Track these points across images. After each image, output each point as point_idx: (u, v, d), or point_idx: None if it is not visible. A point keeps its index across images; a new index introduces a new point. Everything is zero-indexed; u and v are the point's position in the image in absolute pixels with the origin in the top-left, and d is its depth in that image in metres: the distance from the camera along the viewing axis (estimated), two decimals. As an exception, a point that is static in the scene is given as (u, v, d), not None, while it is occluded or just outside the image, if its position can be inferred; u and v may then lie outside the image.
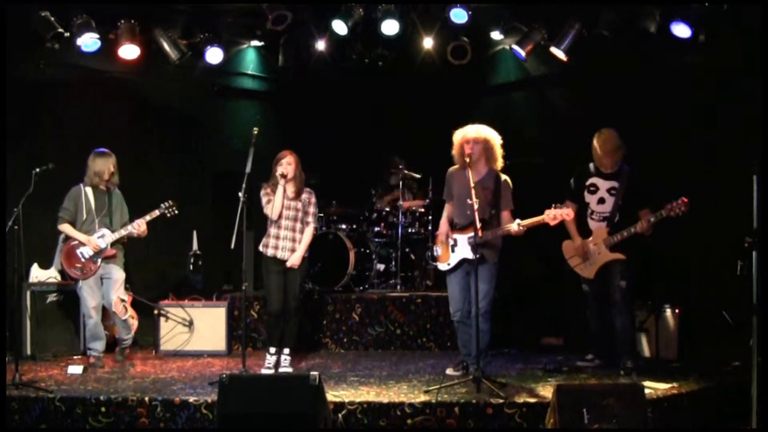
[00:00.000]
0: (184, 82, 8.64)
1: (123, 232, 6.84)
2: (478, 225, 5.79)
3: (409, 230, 8.71)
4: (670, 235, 6.48)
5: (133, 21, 7.59)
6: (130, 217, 6.97)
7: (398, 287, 8.42)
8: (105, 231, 6.81)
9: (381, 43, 8.68)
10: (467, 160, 6.00)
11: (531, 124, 8.81)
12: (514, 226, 5.92)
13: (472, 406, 5.34)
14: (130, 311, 7.28)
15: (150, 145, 8.51)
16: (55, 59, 7.75)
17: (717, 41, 7.02)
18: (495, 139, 6.19)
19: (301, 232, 6.53)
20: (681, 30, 7.03)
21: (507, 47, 8.48)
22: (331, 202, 8.84)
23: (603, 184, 6.47)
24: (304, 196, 6.55)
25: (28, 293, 7.25)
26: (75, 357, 7.26)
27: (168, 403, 5.48)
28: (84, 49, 7.54)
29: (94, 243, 6.76)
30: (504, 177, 6.20)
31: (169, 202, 6.95)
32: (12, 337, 6.88)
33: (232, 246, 6.02)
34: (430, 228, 8.61)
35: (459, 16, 7.59)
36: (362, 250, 8.47)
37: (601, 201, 6.46)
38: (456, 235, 6.19)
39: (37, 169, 6.39)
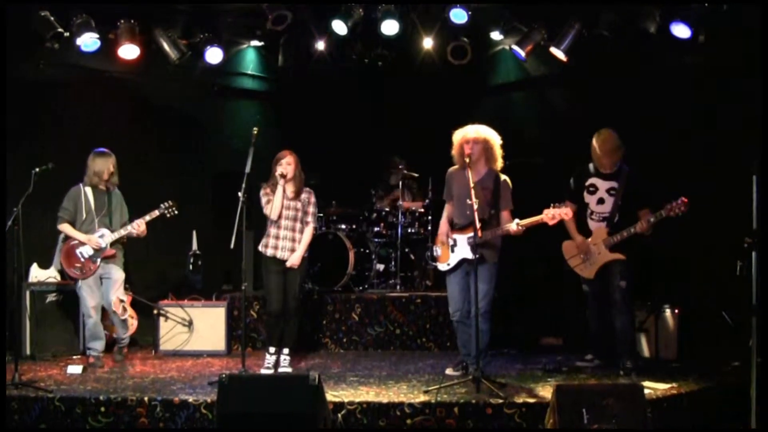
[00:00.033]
0: (184, 82, 8.64)
1: (122, 232, 6.84)
2: (478, 225, 5.80)
3: (409, 230, 8.72)
4: (670, 235, 6.48)
5: (132, 21, 7.59)
6: (130, 217, 6.97)
7: (398, 287, 8.43)
8: (104, 231, 6.81)
9: (381, 43, 8.68)
10: (467, 160, 6.01)
11: (531, 124, 8.81)
12: (513, 225, 5.92)
13: (471, 406, 5.34)
14: (130, 311, 7.29)
15: (150, 145, 8.51)
16: (55, 59, 7.74)
17: (717, 41, 7.02)
18: (495, 139, 6.20)
19: (301, 232, 6.53)
20: (681, 30, 7.03)
21: (507, 47, 8.48)
22: (330, 202, 8.84)
23: (602, 185, 6.47)
24: (304, 196, 6.55)
25: (28, 293, 7.25)
26: (74, 357, 7.26)
27: (167, 403, 5.48)
28: (84, 48, 7.54)
29: (94, 241, 6.76)
30: (503, 177, 6.20)
31: (169, 202, 6.95)
32: (11, 336, 6.88)
33: (232, 246, 6.01)
34: (429, 228, 8.61)
35: (459, 16, 7.59)
36: (362, 250, 8.47)
37: (601, 201, 6.46)
38: (456, 235, 6.19)
39: (37, 169, 6.39)
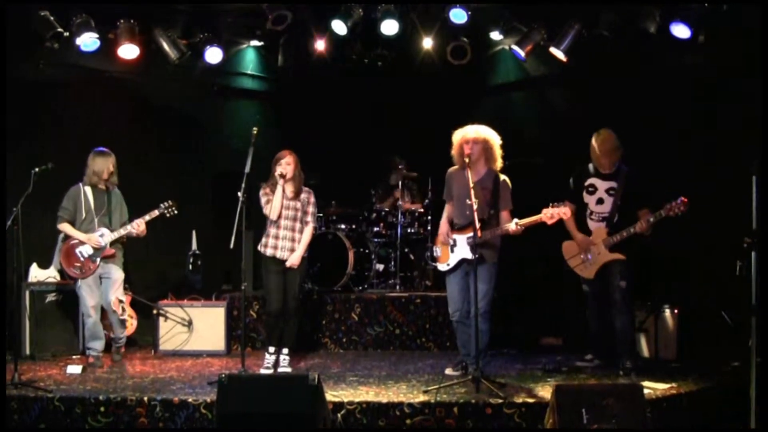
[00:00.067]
0: (184, 82, 8.63)
1: (122, 232, 6.84)
2: (477, 225, 5.80)
3: (409, 230, 8.72)
4: (670, 236, 6.48)
5: (132, 21, 7.59)
6: (130, 216, 6.97)
7: (397, 287, 8.42)
8: (104, 230, 6.81)
9: (381, 43, 8.67)
10: (466, 160, 6.01)
11: (530, 124, 8.81)
12: (512, 225, 5.92)
13: (471, 406, 5.34)
14: (129, 310, 7.29)
15: (149, 145, 8.50)
16: (55, 59, 7.74)
17: (716, 41, 7.02)
18: (494, 139, 6.20)
19: (301, 231, 6.53)
20: (680, 30, 7.03)
21: (507, 47, 8.47)
22: (330, 202, 8.84)
23: (601, 185, 6.47)
24: (304, 195, 6.55)
25: (27, 293, 7.25)
26: (74, 357, 7.26)
27: (167, 402, 5.48)
28: (83, 48, 7.53)
29: (94, 240, 6.76)
30: (503, 177, 6.20)
31: (169, 201, 6.95)
32: (11, 336, 6.88)
33: (232, 246, 6.01)
34: (429, 228, 8.62)
35: (458, 16, 7.59)
36: (361, 250, 8.47)
37: (600, 201, 6.46)
38: (455, 236, 6.19)
39: (36, 169, 6.38)
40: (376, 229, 8.79)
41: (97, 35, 7.50)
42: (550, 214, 5.84)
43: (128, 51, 7.69)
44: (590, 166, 6.56)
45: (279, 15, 7.67)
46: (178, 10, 7.85)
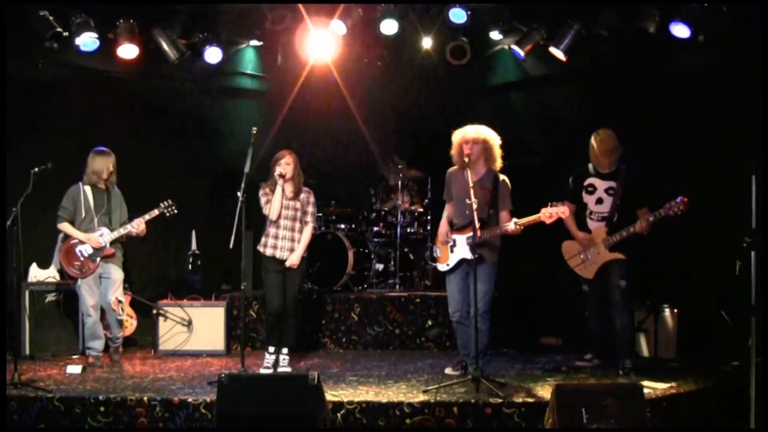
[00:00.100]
0: (183, 82, 8.63)
1: (122, 231, 6.84)
2: (477, 225, 5.80)
3: (408, 230, 8.71)
4: (670, 235, 6.48)
5: (131, 21, 7.60)
6: (129, 216, 6.97)
7: (397, 287, 8.42)
8: (104, 230, 6.81)
9: (380, 43, 8.67)
10: (466, 160, 6.01)
11: (530, 124, 8.79)
12: (511, 225, 5.93)
13: (470, 405, 5.34)
14: (128, 310, 7.28)
15: (149, 145, 8.49)
16: (54, 59, 7.74)
17: (716, 41, 7.02)
18: (494, 139, 6.20)
19: (300, 231, 6.53)
20: (680, 30, 7.04)
21: (506, 47, 8.47)
22: (330, 202, 8.84)
23: (601, 185, 6.47)
24: (303, 195, 6.55)
25: (27, 293, 7.24)
26: (74, 357, 7.26)
27: (167, 402, 5.48)
28: (83, 48, 7.54)
29: (94, 240, 6.76)
30: (502, 177, 6.20)
31: (169, 201, 6.95)
32: (11, 336, 6.87)
33: (231, 246, 6.01)
34: (429, 228, 8.62)
35: (458, 16, 7.59)
36: (361, 249, 8.47)
37: (599, 201, 6.46)
38: (455, 236, 6.20)
39: (36, 169, 6.37)
40: (375, 228, 8.79)
41: (96, 35, 7.51)
42: (548, 214, 5.84)
43: (128, 51, 7.70)
44: (590, 165, 6.56)
45: (278, 15, 7.67)
46: (178, 10, 7.86)
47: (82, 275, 6.78)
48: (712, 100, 7.13)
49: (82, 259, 6.79)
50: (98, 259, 6.80)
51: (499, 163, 6.22)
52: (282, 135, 8.75)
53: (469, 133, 6.16)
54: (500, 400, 5.34)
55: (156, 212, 6.91)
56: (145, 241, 7.29)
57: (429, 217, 8.65)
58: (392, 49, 8.76)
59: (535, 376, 6.32)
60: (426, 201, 8.76)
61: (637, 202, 6.32)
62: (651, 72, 7.56)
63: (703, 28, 7.03)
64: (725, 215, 6.47)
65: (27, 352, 7.14)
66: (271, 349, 6.50)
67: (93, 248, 6.79)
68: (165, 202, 6.95)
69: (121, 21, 7.56)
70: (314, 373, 4.91)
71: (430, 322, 7.63)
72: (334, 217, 8.82)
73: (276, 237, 6.46)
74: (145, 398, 5.51)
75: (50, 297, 7.37)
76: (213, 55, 8.08)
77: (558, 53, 7.63)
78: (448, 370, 6.42)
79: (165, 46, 7.77)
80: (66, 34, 7.39)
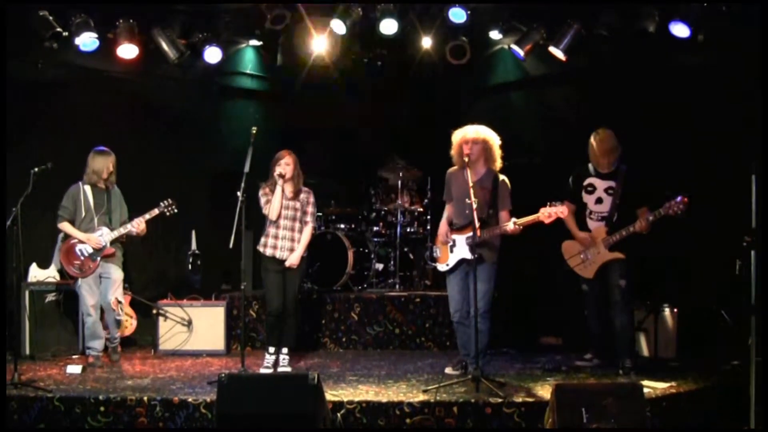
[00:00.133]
0: (183, 82, 8.63)
1: (122, 231, 6.84)
2: (477, 225, 5.80)
3: (408, 230, 8.72)
4: (670, 235, 6.48)
5: (131, 20, 7.59)
6: (129, 215, 6.97)
7: (397, 287, 8.43)
8: (104, 229, 6.81)
9: (380, 43, 8.67)
10: (466, 160, 6.01)
11: (530, 124, 8.79)
12: (510, 225, 5.93)
13: (470, 405, 5.34)
14: (127, 310, 7.28)
15: (148, 145, 8.49)
16: (54, 59, 7.73)
17: (716, 41, 7.02)
18: (494, 139, 6.20)
19: (300, 231, 6.53)
20: (680, 30, 7.04)
21: (506, 47, 8.47)
22: (329, 202, 8.84)
23: (600, 184, 6.48)
24: (303, 195, 6.55)
25: (27, 293, 7.24)
26: (74, 356, 7.25)
27: (167, 402, 5.48)
28: (82, 48, 7.53)
29: (94, 240, 6.76)
30: (502, 177, 6.20)
31: (169, 200, 6.95)
32: (11, 336, 6.87)
33: (231, 245, 6.01)
34: (428, 228, 8.62)
35: (458, 15, 7.59)
36: (361, 249, 8.47)
37: (599, 201, 6.46)
38: (454, 236, 6.20)
39: (36, 169, 6.36)
40: (375, 228, 8.79)
41: (96, 35, 7.50)
42: (547, 213, 5.85)
43: (127, 51, 7.69)
44: (589, 165, 6.57)
45: (278, 14, 7.67)
46: (177, 10, 7.85)
47: (83, 275, 6.78)
48: (712, 100, 7.12)
49: (82, 258, 6.79)
50: (98, 258, 6.80)
51: (498, 163, 6.23)
52: (281, 135, 8.77)
53: (469, 133, 6.16)
54: (500, 400, 5.34)
55: (156, 211, 6.91)
56: (145, 240, 7.29)
57: (429, 217, 8.65)
58: (392, 49, 8.76)
59: (535, 375, 6.32)
60: (426, 201, 8.76)
61: (637, 201, 6.32)
62: (651, 72, 7.56)
63: (702, 28, 7.02)
64: (725, 215, 6.46)
65: (27, 352, 7.13)
66: (271, 349, 6.50)
67: (93, 248, 6.79)
68: (165, 202, 6.94)
69: (121, 21, 7.56)
70: (314, 373, 4.91)
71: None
72: (334, 217, 8.83)
73: (276, 237, 6.46)
74: (145, 398, 5.51)
75: (50, 297, 7.37)
76: (213, 54, 8.07)
77: (558, 53, 7.63)
78: (448, 370, 6.42)
79: (165, 46, 7.76)
80: (66, 34, 7.38)
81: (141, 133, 8.41)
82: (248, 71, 9.26)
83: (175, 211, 6.97)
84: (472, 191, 5.85)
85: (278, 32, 8.17)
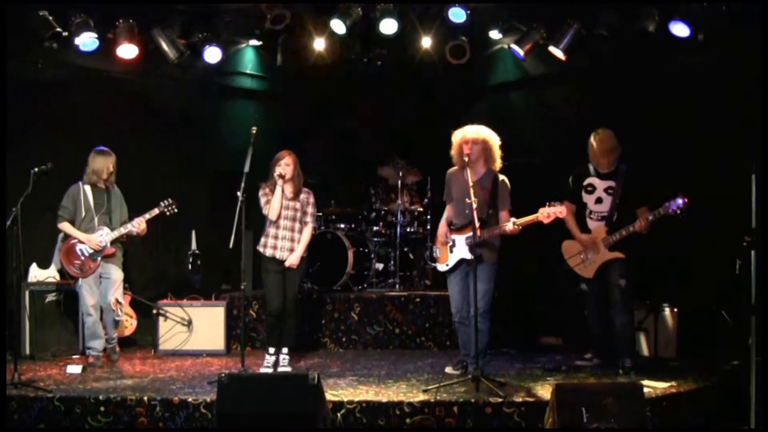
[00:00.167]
0: (183, 82, 8.63)
1: (122, 230, 6.84)
2: (477, 225, 5.80)
3: (408, 230, 8.72)
4: (670, 235, 6.48)
5: (131, 20, 7.58)
6: (129, 215, 6.97)
7: (397, 287, 8.43)
8: (104, 229, 6.81)
9: (379, 43, 8.67)
10: (466, 160, 6.01)
11: (530, 124, 8.80)
12: (510, 225, 5.93)
13: (471, 405, 5.34)
14: (127, 310, 7.28)
15: (149, 145, 8.49)
16: (54, 59, 7.73)
17: (716, 41, 7.02)
18: (494, 139, 6.20)
19: (300, 231, 6.53)
20: (680, 29, 7.03)
21: (506, 47, 8.47)
22: (329, 202, 8.84)
23: (600, 184, 6.48)
24: (303, 196, 6.55)
25: (27, 293, 7.24)
26: (74, 356, 7.25)
27: (167, 402, 5.48)
28: (82, 48, 7.53)
29: (95, 241, 6.76)
30: (502, 177, 6.20)
31: (169, 200, 6.95)
32: (11, 336, 6.87)
33: (231, 245, 6.01)
34: (428, 228, 8.62)
35: (458, 15, 7.58)
36: (361, 249, 8.47)
37: (599, 201, 6.47)
38: (454, 236, 6.20)
39: (36, 169, 6.36)
40: (375, 228, 8.79)
41: (96, 35, 7.49)
42: (546, 214, 5.85)
43: (127, 51, 7.69)
44: (589, 165, 6.57)
45: (278, 14, 7.67)
46: (177, 10, 7.85)
47: (83, 275, 6.78)
48: (712, 100, 7.12)
49: (82, 258, 6.79)
50: (99, 258, 6.80)
51: (498, 164, 6.23)
52: (281, 135, 8.76)
53: (469, 133, 6.17)
54: (500, 400, 5.34)
55: (156, 211, 6.91)
56: (145, 240, 7.29)
57: (429, 217, 8.65)
58: (392, 49, 8.76)
59: (535, 375, 6.32)
60: (426, 201, 8.76)
61: (637, 201, 6.32)
62: (651, 71, 7.56)
63: (702, 28, 7.02)
64: (725, 215, 6.46)
65: (27, 352, 7.13)
66: (271, 349, 6.50)
67: (93, 248, 6.79)
68: (165, 201, 6.94)
69: (121, 21, 7.55)
70: (314, 373, 4.91)
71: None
72: (334, 217, 8.83)
73: (276, 237, 6.46)
74: (145, 398, 5.50)
75: (50, 297, 7.37)
76: (213, 54, 8.07)
77: (557, 53, 7.63)
78: (448, 370, 6.42)
79: (164, 45, 7.76)
80: (65, 34, 7.38)
81: (141, 133, 8.41)
82: (248, 71, 9.26)
83: (175, 210, 6.97)
84: (472, 191, 5.85)
85: (278, 32, 8.16)
